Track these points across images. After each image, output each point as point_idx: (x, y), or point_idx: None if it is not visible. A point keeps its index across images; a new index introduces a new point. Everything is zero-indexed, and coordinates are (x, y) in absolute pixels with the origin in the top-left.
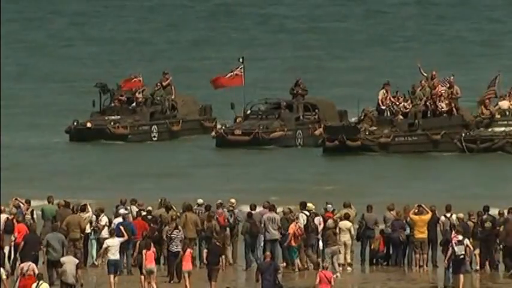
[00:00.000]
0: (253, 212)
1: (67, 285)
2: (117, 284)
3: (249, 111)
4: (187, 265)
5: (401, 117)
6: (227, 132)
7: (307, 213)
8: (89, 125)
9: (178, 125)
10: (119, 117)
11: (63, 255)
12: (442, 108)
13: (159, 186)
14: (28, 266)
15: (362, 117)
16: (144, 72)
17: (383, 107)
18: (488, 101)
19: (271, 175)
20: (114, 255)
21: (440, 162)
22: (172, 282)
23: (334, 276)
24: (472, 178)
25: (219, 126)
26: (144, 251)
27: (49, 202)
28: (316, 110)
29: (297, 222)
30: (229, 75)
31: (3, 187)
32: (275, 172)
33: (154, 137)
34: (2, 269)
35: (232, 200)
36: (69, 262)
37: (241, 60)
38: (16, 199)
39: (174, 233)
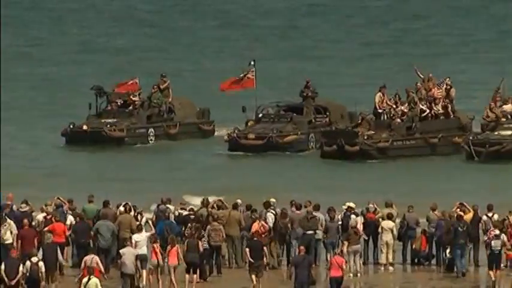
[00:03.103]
0: (297, 211)
1: (127, 275)
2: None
3: (260, 115)
4: (173, 260)
5: (399, 120)
6: (240, 136)
7: (274, 212)
8: (84, 127)
9: (175, 128)
10: (115, 120)
11: (112, 244)
12: (438, 110)
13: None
14: (91, 258)
15: (360, 121)
16: (141, 75)
17: (380, 111)
18: (494, 104)
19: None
20: (142, 250)
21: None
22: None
23: (351, 275)
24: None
25: (226, 131)
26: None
27: (90, 202)
28: (327, 113)
29: (260, 221)
30: (240, 78)
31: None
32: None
33: (151, 140)
34: (41, 262)
35: (273, 200)
36: (129, 253)
37: (252, 63)
38: (58, 198)
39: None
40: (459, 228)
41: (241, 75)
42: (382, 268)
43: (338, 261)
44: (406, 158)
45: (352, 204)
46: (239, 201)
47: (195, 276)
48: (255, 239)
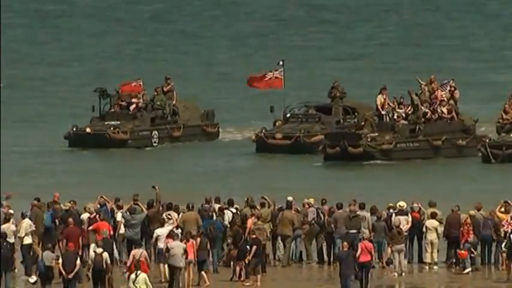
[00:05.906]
0: (339, 211)
1: (175, 268)
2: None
3: (288, 115)
4: (189, 256)
5: (403, 121)
6: (267, 136)
7: (234, 210)
8: (88, 130)
9: (179, 131)
10: (118, 122)
11: (140, 235)
12: (443, 113)
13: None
14: (140, 253)
15: (363, 123)
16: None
17: (383, 112)
18: (508, 106)
19: None
20: (163, 244)
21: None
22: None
23: (396, 275)
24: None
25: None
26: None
27: (135, 201)
28: (356, 113)
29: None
30: (268, 77)
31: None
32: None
33: (154, 142)
34: (105, 253)
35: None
36: (177, 247)
37: (281, 63)
38: (102, 197)
39: None
40: None
41: (270, 74)
42: (427, 267)
43: (367, 246)
44: (417, 160)
45: (402, 203)
46: (290, 198)
47: (202, 273)
48: (254, 236)
